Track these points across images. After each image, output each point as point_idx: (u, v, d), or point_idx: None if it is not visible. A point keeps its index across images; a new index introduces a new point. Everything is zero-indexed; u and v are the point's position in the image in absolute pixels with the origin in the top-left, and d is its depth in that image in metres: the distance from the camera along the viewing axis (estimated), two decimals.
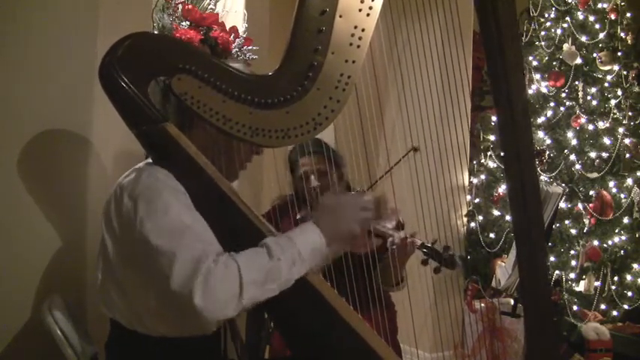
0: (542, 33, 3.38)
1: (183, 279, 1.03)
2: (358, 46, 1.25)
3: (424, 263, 1.74)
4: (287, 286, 1.13)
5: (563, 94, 3.25)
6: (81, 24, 1.73)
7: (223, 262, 1.06)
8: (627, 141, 3.21)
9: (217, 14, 2.18)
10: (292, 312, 1.26)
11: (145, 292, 1.19)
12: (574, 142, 3.16)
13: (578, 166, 3.14)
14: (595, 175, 3.13)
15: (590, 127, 3.18)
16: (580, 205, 3.10)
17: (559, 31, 3.30)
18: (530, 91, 3.28)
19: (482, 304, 3.10)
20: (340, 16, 1.23)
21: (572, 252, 3.04)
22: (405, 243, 1.74)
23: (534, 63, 3.35)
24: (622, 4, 3.36)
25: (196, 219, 1.15)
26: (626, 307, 3.04)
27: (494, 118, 3.42)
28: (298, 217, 1.90)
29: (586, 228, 3.08)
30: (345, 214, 1.22)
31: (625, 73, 3.29)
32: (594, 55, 3.25)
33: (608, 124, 3.19)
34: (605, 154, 3.15)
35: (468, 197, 3.38)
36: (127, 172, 1.25)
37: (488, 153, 3.40)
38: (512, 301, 2.38)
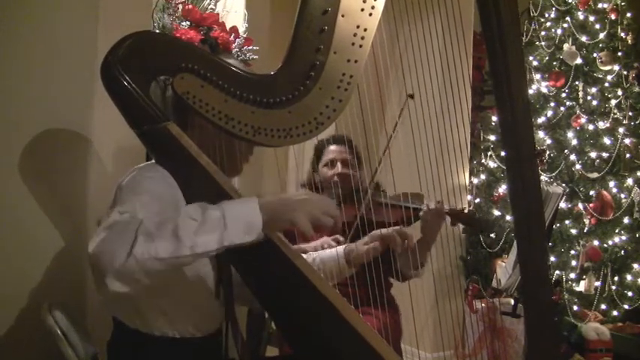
0: (543, 33, 3.38)
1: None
2: (360, 46, 1.25)
3: (453, 224, 1.85)
4: (198, 249, 1.00)
5: (564, 94, 3.25)
6: (81, 24, 1.72)
7: (131, 216, 1.02)
8: (627, 141, 3.22)
9: (217, 14, 2.18)
10: (290, 309, 1.26)
11: None
12: (574, 142, 3.17)
13: (578, 166, 3.14)
14: (595, 175, 3.13)
15: (591, 127, 3.19)
16: (580, 205, 3.10)
17: (559, 31, 3.31)
18: (530, 91, 3.28)
19: (483, 305, 3.10)
20: (342, 16, 1.23)
21: (572, 252, 3.04)
22: (438, 208, 1.82)
23: (534, 63, 3.35)
24: (622, 4, 3.37)
25: (155, 204, 1.10)
26: (626, 307, 3.05)
27: (494, 118, 3.42)
28: None
29: (586, 228, 3.08)
30: (297, 204, 1.13)
31: (625, 73, 3.30)
32: (594, 55, 3.26)
33: (608, 124, 3.20)
34: (605, 154, 3.15)
35: (469, 197, 3.38)
36: (127, 173, 1.25)
37: (489, 153, 3.40)
38: (512, 302, 2.38)
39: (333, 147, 2.07)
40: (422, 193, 1.87)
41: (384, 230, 1.60)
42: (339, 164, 2.04)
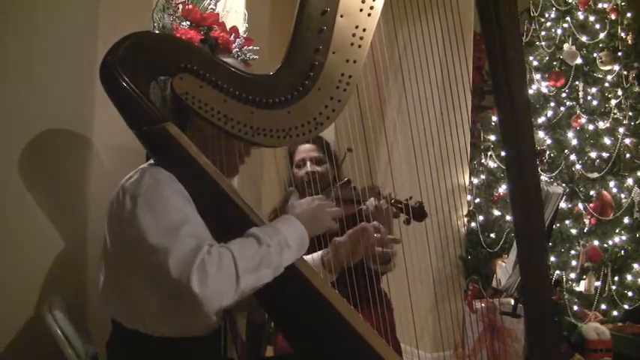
0: (543, 33, 3.38)
1: (180, 269, 1.05)
2: (359, 46, 1.25)
3: (396, 216, 1.86)
4: (279, 271, 1.17)
5: (564, 94, 3.25)
6: (81, 24, 1.72)
7: (217, 251, 1.09)
8: (627, 141, 3.22)
9: (218, 14, 2.18)
10: (292, 312, 1.26)
11: (147, 295, 1.19)
12: (574, 142, 3.16)
13: (578, 166, 3.14)
14: (595, 175, 3.13)
15: (591, 127, 3.19)
16: (580, 205, 3.10)
17: (559, 31, 3.30)
18: (530, 91, 3.27)
19: (483, 305, 3.09)
20: (341, 16, 1.23)
21: (572, 252, 3.04)
22: (379, 206, 1.85)
23: (535, 63, 3.35)
24: (622, 4, 3.37)
25: (193, 218, 1.15)
26: (626, 307, 3.05)
27: (494, 118, 3.42)
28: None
29: (586, 228, 3.08)
30: (321, 213, 1.30)
31: (625, 73, 3.29)
32: (594, 55, 3.26)
33: (608, 124, 3.19)
34: (605, 154, 3.15)
35: (469, 197, 3.38)
36: (130, 174, 1.25)
37: (489, 153, 3.40)
38: (512, 301, 2.38)
39: (301, 147, 2.11)
40: (377, 185, 1.88)
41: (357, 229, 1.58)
42: (307, 163, 2.08)
